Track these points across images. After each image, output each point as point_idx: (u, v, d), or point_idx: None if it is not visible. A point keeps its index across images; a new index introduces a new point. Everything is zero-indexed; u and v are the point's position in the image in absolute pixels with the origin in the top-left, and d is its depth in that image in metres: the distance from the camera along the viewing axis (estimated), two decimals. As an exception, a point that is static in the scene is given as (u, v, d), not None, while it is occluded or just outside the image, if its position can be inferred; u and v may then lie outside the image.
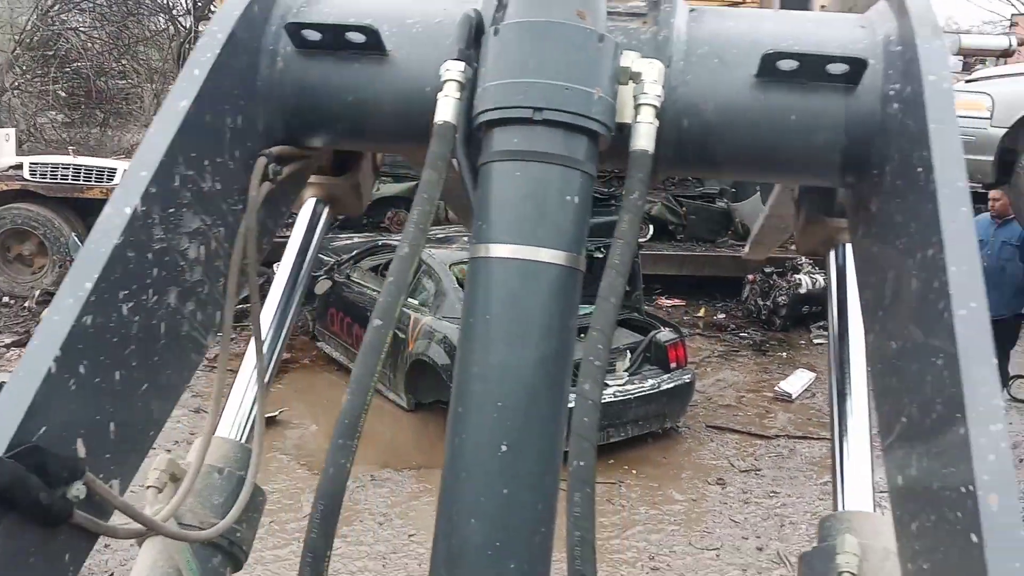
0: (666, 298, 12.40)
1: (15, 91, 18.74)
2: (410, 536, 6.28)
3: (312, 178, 1.34)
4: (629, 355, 7.96)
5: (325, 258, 9.77)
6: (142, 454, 0.93)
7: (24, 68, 19.20)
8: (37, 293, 11.58)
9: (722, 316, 12.20)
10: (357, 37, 1.04)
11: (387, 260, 9.18)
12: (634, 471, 7.52)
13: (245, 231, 1.04)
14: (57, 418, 0.78)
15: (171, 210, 0.95)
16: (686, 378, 8.03)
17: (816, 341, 11.13)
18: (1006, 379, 9.04)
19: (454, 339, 6.94)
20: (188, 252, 0.98)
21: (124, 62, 20.41)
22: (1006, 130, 6.67)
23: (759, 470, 7.70)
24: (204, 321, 1.03)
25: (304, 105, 1.08)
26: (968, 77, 7.76)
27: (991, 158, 6.76)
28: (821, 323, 11.58)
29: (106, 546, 5.66)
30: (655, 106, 0.96)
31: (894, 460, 0.82)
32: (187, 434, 7.41)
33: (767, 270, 11.81)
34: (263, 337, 1.19)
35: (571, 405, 0.92)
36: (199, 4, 19.86)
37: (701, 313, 12.28)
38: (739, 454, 8.04)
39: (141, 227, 0.90)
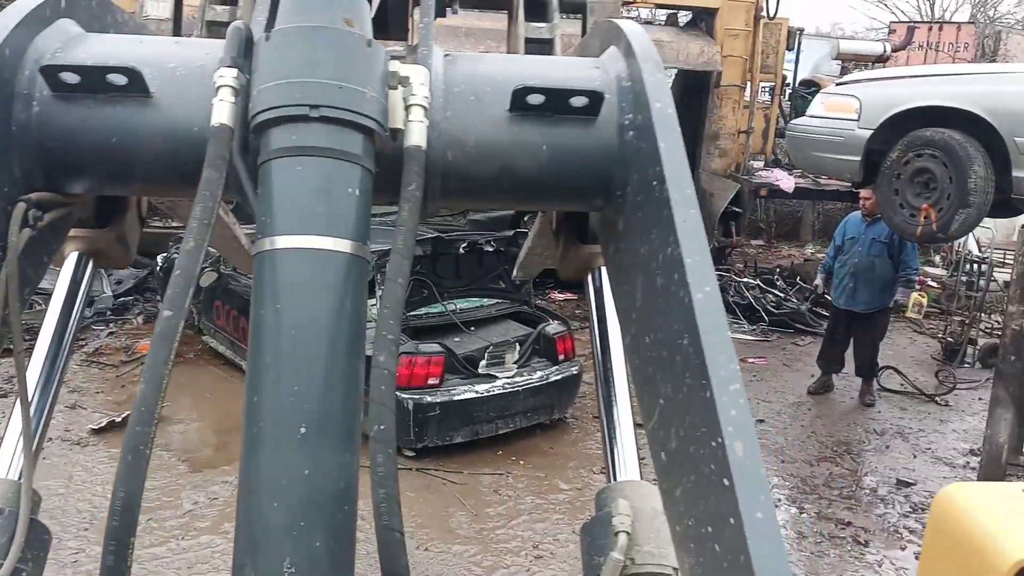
0: (559, 292, 12.58)
1: None
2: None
3: (75, 231, 1.28)
4: (518, 348, 8.06)
5: (212, 250, 9.50)
6: None
7: None
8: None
9: (612, 310, 12.43)
10: (119, 79, 1.02)
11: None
12: (522, 462, 7.62)
13: (6, 279, 0.99)
14: None
15: None
16: (574, 370, 8.17)
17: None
18: (876, 370, 9.53)
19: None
20: None
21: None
22: (872, 131, 7.01)
23: (643, 459, 7.88)
24: None
25: (64, 150, 1.05)
26: (838, 80, 8.13)
27: (859, 158, 7.10)
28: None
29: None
30: (424, 106, 1.03)
31: (656, 440, 0.91)
32: None
33: (655, 265, 12.10)
34: (29, 397, 1.13)
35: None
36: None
37: (592, 307, 12.48)
38: (624, 444, 8.20)
39: None
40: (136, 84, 1.03)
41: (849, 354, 9.50)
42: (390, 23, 1.67)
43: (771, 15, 12.92)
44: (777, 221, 18.01)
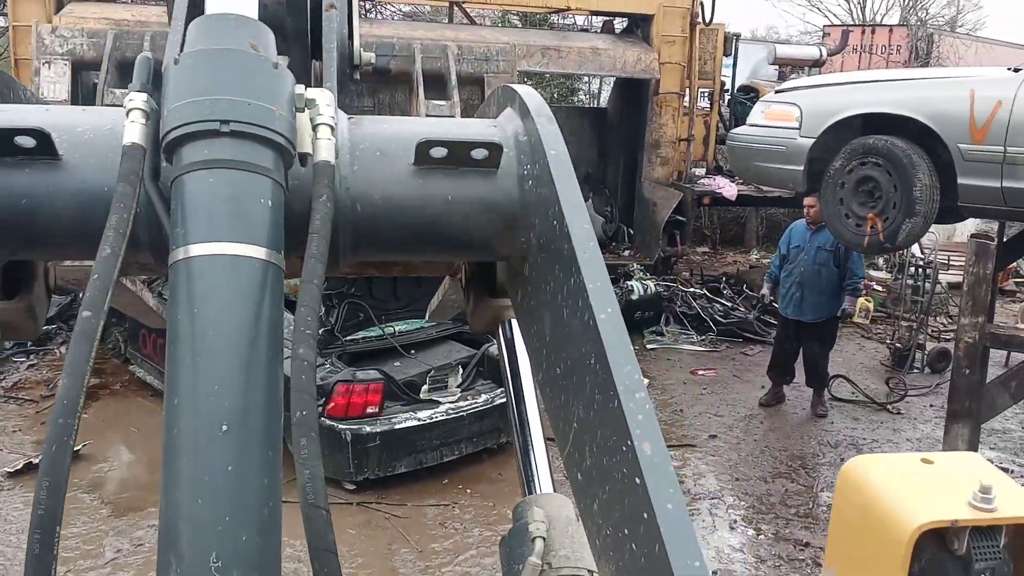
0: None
1: None
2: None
3: None
4: (461, 371, 7.75)
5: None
6: None
7: None
8: None
9: (558, 324, 12.20)
10: (27, 141, 1.03)
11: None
12: (468, 490, 7.31)
13: None
14: None
15: None
16: (520, 391, 7.88)
17: (649, 347, 11.28)
18: (827, 380, 9.41)
19: None
20: None
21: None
22: (814, 140, 6.84)
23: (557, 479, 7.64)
24: None
25: None
26: (777, 87, 7.97)
27: (802, 168, 6.92)
28: (653, 328, 11.78)
29: None
30: (331, 125, 1.05)
31: (572, 463, 0.96)
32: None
33: (601, 277, 11.88)
34: None
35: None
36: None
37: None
38: (574, 466, 7.95)
39: None
40: (45, 146, 1.04)
41: (800, 364, 9.37)
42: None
43: (707, 21, 12.81)
44: (721, 227, 17.95)
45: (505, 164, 1.15)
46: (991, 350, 6.97)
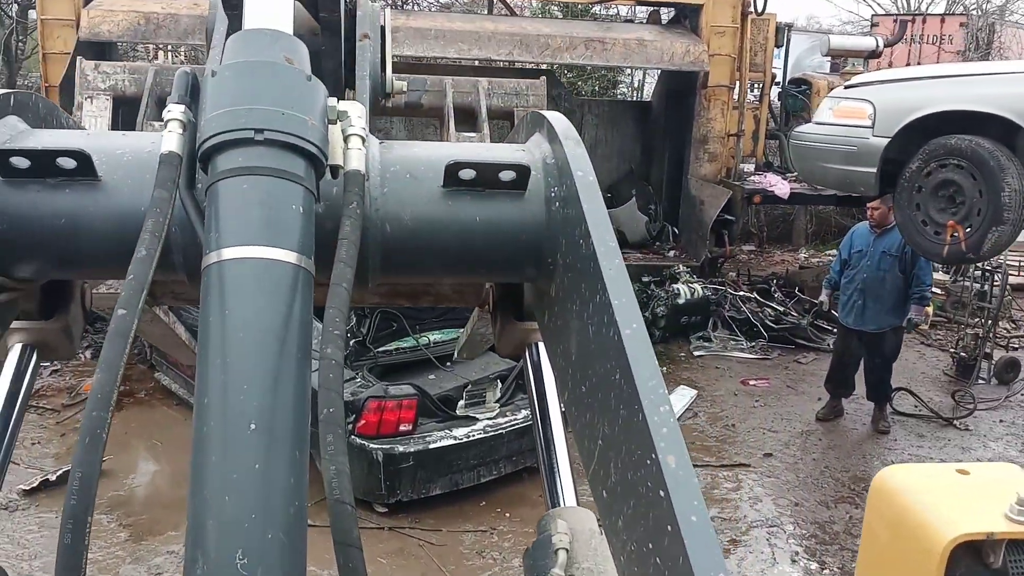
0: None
1: None
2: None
3: (18, 323, 1.33)
4: (500, 384, 7.28)
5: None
6: None
7: None
8: None
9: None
10: (68, 162, 1.07)
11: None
12: (507, 514, 6.84)
13: None
14: None
15: None
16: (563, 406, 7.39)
17: (696, 353, 10.72)
18: (889, 394, 8.80)
19: None
20: None
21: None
22: (889, 139, 6.25)
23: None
24: None
25: (12, 233, 1.09)
26: (847, 83, 7.35)
27: (874, 170, 6.33)
28: (700, 334, 11.22)
29: None
30: (362, 136, 1.08)
31: (597, 481, 0.97)
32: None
33: (644, 279, 11.36)
34: None
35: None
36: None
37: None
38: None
39: None
40: (85, 168, 1.09)
41: (859, 376, 8.77)
42: None
43: (759, 10, 12.18)
44: (768, 225, 17.28)
45: (533, 186, 1.17)
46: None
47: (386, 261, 1.16)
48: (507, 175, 1.14)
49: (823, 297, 9.17)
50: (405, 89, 1.54)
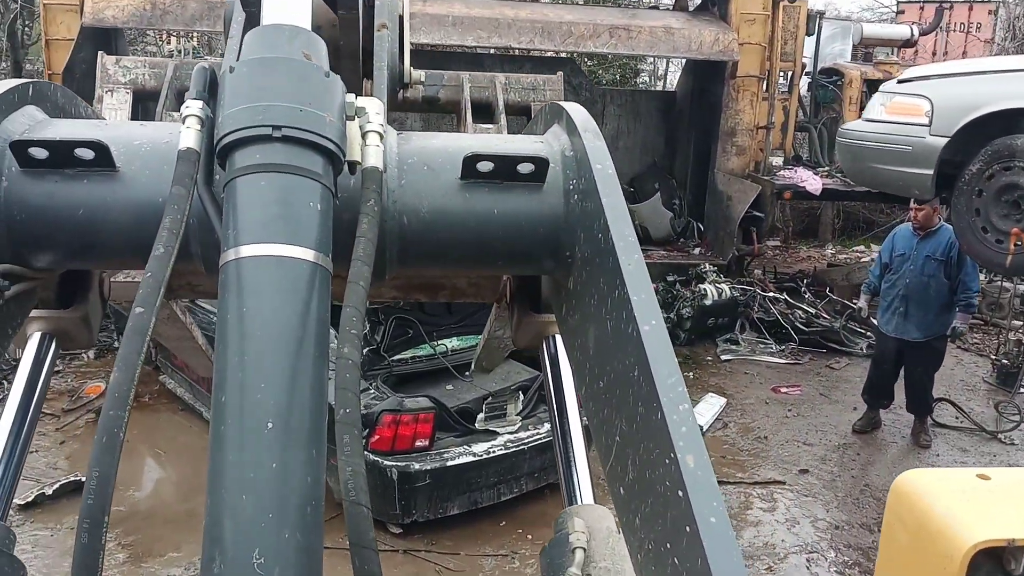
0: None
1: None
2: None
3: (37, 312, 1.32)
4: (522, 396, 6.84)
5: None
6: None
7: None
8: None
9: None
10: (86, 153, 1.08)
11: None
12: (530, 535, 6.43)
13: None
14: None
15: None
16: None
17: (724, 358, 10.26)
18: (931, 406, 8.33)
19: None
20: None
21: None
22: (947, 140, 5.77)
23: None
24: None
25: (31, 223, 1.09)
26: (899, 76, 6.84)
27: (931, 171, 5.86)
28: (727, 336, 10.76)
29: None
30: (380, 133, 1.07)
31: (615, 477, 0.96)
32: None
33: (669, 278, 10.89)
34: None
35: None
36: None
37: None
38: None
39: None
40: (103, 158, 1.09)
41: (899, 386, 8.29)
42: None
43: (791, -3, 11.67)
44: (793, 219, 16.75)
45: (551, 179, 1.17)
46: None
47: (403, 253, 1.17)
48: (525, 167, 1.15)
49: (861, 303, 8.70)
50: (423, 80, 1.51)
